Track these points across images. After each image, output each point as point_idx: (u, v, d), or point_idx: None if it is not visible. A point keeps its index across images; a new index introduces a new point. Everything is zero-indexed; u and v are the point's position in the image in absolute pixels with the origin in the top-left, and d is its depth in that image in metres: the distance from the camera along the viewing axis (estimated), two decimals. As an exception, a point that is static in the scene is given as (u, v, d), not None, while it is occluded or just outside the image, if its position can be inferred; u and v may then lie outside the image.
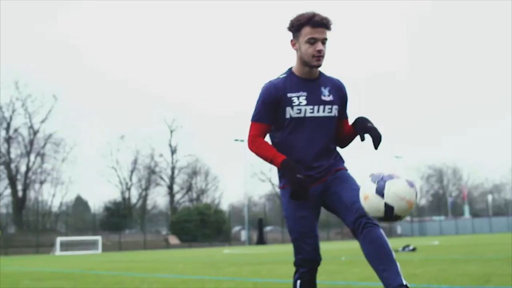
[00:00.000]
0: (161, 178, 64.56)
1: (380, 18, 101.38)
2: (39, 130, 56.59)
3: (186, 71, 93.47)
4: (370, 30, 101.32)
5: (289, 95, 3.60)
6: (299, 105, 3.59)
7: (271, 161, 3.61)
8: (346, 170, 3.78)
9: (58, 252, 39.11)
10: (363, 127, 3.61)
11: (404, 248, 17.56)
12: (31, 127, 56.32)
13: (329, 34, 3.63)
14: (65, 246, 40.60)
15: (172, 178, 64.30)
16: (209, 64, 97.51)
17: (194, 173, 65.95)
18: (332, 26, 3.61)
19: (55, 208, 60.20)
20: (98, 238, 42.05)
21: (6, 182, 54.66)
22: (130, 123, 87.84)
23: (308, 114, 3.61)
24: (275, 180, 56.81)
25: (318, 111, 3.63)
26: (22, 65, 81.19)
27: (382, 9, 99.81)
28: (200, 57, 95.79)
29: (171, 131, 64.03)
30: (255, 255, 21.47)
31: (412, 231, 65.68)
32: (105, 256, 29.79)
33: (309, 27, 3.53)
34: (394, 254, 3.30)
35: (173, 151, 63.98)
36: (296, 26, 3.57)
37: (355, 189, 3.49)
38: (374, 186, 3.15)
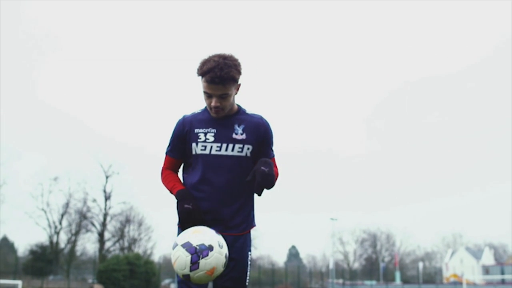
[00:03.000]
0: (92, 224, 62.54)
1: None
2: (-34, 165, 54.15)
3: (131, 119, 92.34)
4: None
5: (196, 130, 3.45)
6: (205, 142, 3.42)
7: (171, 192, 3.50)
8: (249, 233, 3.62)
9: (-27, 295, 36.88)
10: (256, 168, 3.33)
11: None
12: (-42, 162, 53.78)
13: (238, 83, 3.39)
14: (-19, 289, 38.36)
15: (103, 225, 62.36)
16: (154, 111, 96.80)
17: (127, 221, 64.26)
18: (232, 80, 3.32)
19: (-24, 248, 57.32)
20: (18, 282, 39.80)
21: None
22: (65, 165, 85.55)
23: (213, 152, 3.41)
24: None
25: (226, 149, 3.41)
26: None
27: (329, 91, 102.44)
28: (144, 103, 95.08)
29: (107, 177, 62.46)
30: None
31: (344, 294, 65.42)
32: (23, 302, 28.10)
33: (204, 81, 3.33)
34: None
35: (107, 197, 62.22)
36: (197, 74, 3.36)
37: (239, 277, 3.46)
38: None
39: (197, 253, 3.01)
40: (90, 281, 53.84)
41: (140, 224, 65.49)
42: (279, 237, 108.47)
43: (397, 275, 72.26)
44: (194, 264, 3.01)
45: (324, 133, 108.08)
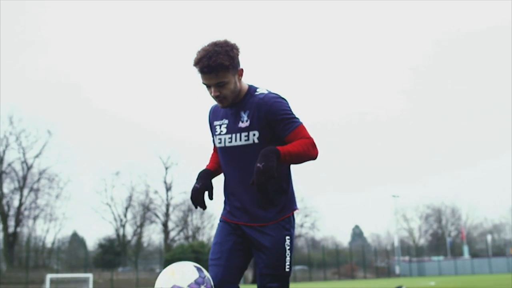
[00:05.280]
0: (156, 215, 63.76)
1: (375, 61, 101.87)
2: (32, 165, 55.92)
3: (184, 108, 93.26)
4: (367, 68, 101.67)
5: (215, 123, 3.45)
6: (220, 134, 3.39)
7: None
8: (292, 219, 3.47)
9: (47, 289, 38.09)
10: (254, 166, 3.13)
11: (397, 289, 16.82)
12: (24, 162, 55.57)
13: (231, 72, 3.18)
14: (55, 283, 39.52)
15: (167, 215, 63.49)
16: (205, 101, 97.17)
17: (189, 210, 65.09)
18: (222, 68, 3.12)
19: (48, 245, 59.28)
20: (90, 275, 40.98)
21: (-3, 217, 53.77)
22: (126, 159, 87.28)
23: (227, 144, 3.35)
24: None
25: (236, 139, 3.32)
26: (16, 100, 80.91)
27: (381, 51, 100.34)
28: (196, 93, 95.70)
29: (166, 168, 63.46)
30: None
31: (411, 271, 64.58)
32: (95, 294, 28.88)
33: (198, 72, 3.19)
34: None
35: (168, 188, 63.30)
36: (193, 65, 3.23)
37: (276, 264, 3.33)
38: None
39: None
40: (157, 271, 54.90)
41: (202, 213, 66.20)
42: (342, 217, 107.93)
43: (465, 249, 70.81)
44: None
45: (375, 103, 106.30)
